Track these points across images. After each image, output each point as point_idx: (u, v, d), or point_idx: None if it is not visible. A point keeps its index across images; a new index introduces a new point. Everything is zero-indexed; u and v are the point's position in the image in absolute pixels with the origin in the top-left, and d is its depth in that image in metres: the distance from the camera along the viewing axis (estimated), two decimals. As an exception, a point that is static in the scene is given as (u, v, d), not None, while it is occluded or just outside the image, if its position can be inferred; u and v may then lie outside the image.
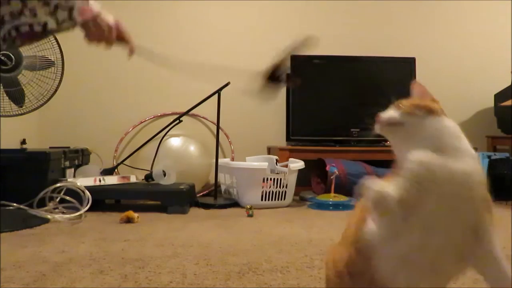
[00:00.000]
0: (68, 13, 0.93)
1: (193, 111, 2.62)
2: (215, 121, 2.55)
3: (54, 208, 2.00)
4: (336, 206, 2.39)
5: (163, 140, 2.56)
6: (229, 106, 2.91)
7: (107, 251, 1.42)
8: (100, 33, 1.04)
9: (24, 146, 2.59)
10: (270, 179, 2.43)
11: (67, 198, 2.00)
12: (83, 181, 2.18)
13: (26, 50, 1.96)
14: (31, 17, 0.90)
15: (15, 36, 0.91)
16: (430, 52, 3.31)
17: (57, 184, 2.03)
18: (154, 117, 3.05)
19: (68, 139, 2.91)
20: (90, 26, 1.01)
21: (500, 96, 3.11)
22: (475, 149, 2.93)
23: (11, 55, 1.89)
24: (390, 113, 0.75)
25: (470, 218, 0.69)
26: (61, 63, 2.05)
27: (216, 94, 2.48)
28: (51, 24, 0.92)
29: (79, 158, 2.65)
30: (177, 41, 3.09)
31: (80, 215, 1.92)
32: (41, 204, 1.98)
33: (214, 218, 2.06)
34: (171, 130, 2.54)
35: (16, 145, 2.57)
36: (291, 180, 2.48)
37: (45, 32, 0.92)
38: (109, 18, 1.06)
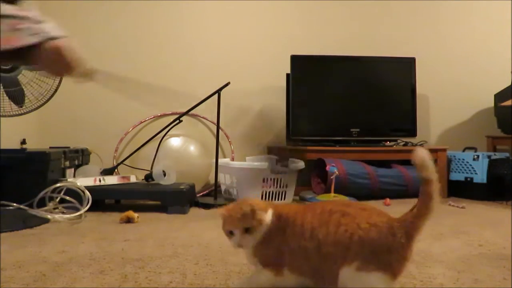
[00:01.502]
0: None
1: (193, 111, 2.62)
2: (215, 121, 2.55)
3: (54, 208, 2.00)
4: (336, 206, 2.38)
5: (163, 140, 2.56)
6: (229, 106, 2.92)
7: (107, 251, 1.42)
8: (55, 60, 0.94)
9: (24, 146, 2.59)
10: (270, 179, 2.43)
11: (67, 198, 2.00)
12: (83, 181, 2.18)
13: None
14: None
15: None
16: (430, 52, 3.31)
17: (57, 184, 2.02)
18: (154, 117, 3.05)
19: (68, 139, 2.91)
20: (39, 55, 0.92)
21: (500, 96, 3.11)
22: (475, 149, 2.98)
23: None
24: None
25: None
26: (61, 63, 2.04)
27: (216, 94, 2.48)
28: None
29: (79, 158, 2.65)
30: (177, 41, 3.09)
31: (80, 215, 1.92)
32: (41, 204, 1.98)
33: (214, 218, 2.05)
34: (171, 130, 2.54)
35: (16, 145, 2.57)
36: (291, 180, 2.48)
37: None
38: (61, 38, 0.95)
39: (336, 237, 0.83)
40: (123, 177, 2.44)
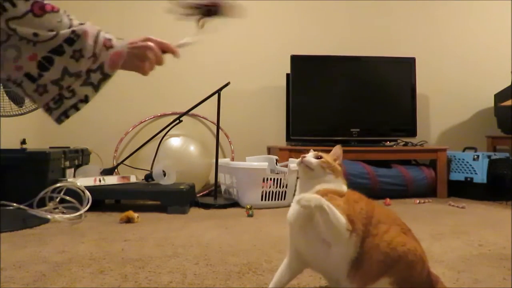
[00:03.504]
0: (101, 72, 0.92)
1: (193, 111, 2.62)
2: (215, 121, 2.55)
3: (54, 208, 2.00)
4: (336, 206, 2.38)
5: (163, 140, 2.56)
6: (229, 106, 2.91)
7: (107, 251, 1.42)
8: (148, 60, 1.05)
9: (24, 146, 2.58)
10: (270, 179, 2.43)
11: (67, 198, 2.00)
12: (83, 181, 2.18)
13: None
14: (72, 97, 0.91)
15: (64, 119, 0.92)
16: (430, 52, 3.31)
17: (57, 184, 2.02)
18: (154, 117, 3.05)
19: (68, 139, 2.91)
20: (134, 62, 1.00)
21: (500, 96, 3.11)
22: (475, 149, 2.98)
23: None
24: (311, 158, 0.99)
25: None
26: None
27: (216, 94, 2.48)
28: (91, 93, 0.93)
29: (79, 158, 2.65)
30: (176, 41, 3.08)
31: (80, 215, 1.92)
32: (41, 204, 1.98)
33: (214, 218, 2.06)
34: (171, 130, 2.54)
35: (16, 145, 2.57)
36: (291, 180, 2.48)
37: (87, 101, 0.93)
38: (142, 42, 1.04)
39: (394, 241, 0.84)
40: (123, 177, 2.44)
